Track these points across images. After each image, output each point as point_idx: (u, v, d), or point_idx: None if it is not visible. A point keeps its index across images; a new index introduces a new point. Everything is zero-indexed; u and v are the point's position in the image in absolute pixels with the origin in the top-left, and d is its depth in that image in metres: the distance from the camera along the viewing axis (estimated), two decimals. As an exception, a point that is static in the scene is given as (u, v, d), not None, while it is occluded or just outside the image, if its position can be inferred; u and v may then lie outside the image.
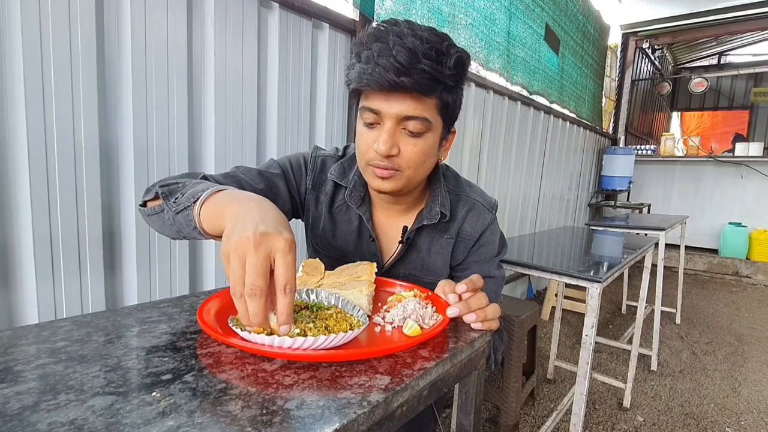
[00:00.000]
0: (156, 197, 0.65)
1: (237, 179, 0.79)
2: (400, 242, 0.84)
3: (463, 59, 0.68)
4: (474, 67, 2.47)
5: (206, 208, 0.57)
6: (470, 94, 2.48)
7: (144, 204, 0.67)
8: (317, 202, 0.88)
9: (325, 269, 0.74)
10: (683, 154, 5.87)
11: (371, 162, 0.72)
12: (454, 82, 0.68)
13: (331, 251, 0.89)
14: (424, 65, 0.62)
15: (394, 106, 0.67)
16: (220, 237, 0.52)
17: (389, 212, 0.87)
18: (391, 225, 0.87)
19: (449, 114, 0.73)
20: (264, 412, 0.36)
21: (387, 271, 0.87)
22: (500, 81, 2.74)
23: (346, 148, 0.91)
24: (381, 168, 0.71)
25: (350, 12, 1.71)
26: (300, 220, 0.93)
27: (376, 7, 1.76)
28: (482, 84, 2.55)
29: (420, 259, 0.87)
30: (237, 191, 0.58)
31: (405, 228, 0.84)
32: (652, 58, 6.47)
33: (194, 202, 0.58)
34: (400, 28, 0.64)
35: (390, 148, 0.68)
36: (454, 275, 0.91)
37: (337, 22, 1.59)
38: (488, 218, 0.87)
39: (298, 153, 0.89)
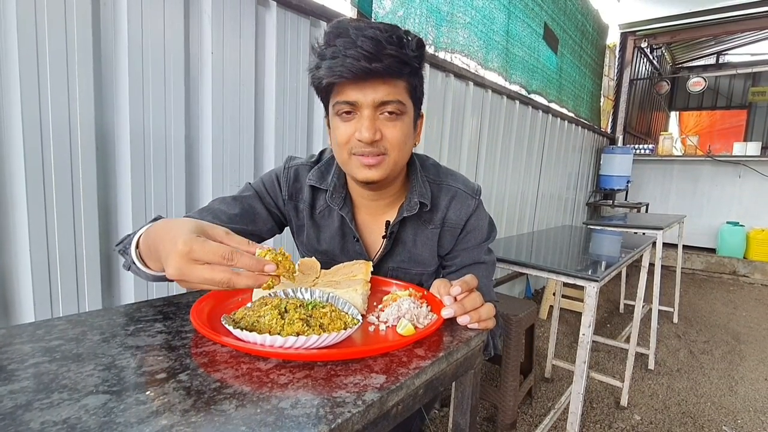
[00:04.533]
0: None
1: (212, 211, 0.82)
2: (383, 237, 0.85)
3: (422, 42, 0.72)
4: (473, 66, 2.47)
5: (143, 252, 0.59)
6: (469, 92, 2.48)
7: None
8: (297, 211, 0.90)
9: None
10: (681, 154, 5.88)
11: (354, 151, 0.73)
12: (417, 65, 0.72)
13: (319, 256, 0.89)
14: (390, 50, 0.65)
15: (369, 95, 0.69)
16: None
17: (372, 210, 0.87)
18: (375, 222, 0.88)
19: (417, 97, 0.76)
20: (258, 411, 0.36)
21: (375, 267, 0.87)
22: (499, 80, 2.74)
23: (321, 152, 0.92)
24: (367, 156, 0.72)
25: (348, 10, 1.71)
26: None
27: (374, 5, 1.76)
28: (481, 83, 2.54)
29: (407, 251, 0.88)
30: (153, 227, 0.58)
31: (388, 223, 0.85)
32: (651, 57, 6.47)
33: (133, 253, 0.60)
34: (356, 23, 0.67)
35: (374, 134, 0.70)
36: (445, 264, 0.92)
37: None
38: (472, 204, 0.87)
39: (271, 171, 0.91)
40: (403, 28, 0.70)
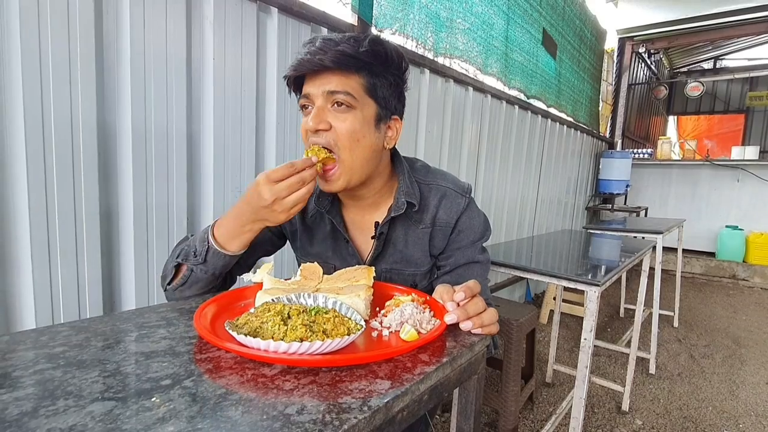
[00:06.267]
0: (175, 274, 0.78)
1: None
2: (372, 237, 0.86)
3: (380, 40, 0.75)
4: (472, 71, 2.48)
5: (218, 234, 0.74)
6: (468, 97, 2.49)
7: (170, 283, 0.78)
8: (289, 221, 0.91)
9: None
10: (680, 158, 5.90)
11: (308, 142, 0.76)
12: (374, 62, 0.74)
13: (311, 259, 0.91)
14: (341, 47, 0.71)
15: (319, 86, 0.74)
16: (242, 250, 0.75)
17: (360, 210, 0.88)
18: (365, 223, 0.88)
19: (379, 96, 0.77)
20: (264, 417, 0.36)
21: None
22: (498, 85, 2.75)
23: None
24: (324, 171, 0.75)
25: (349, 17, 1.72)
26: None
27: (374, 11, 1.77)
28: (480, 88, 2.56)
29: (398, 252, 0.88)
30: (221, 218, 0.76)
31: (377, 224, 0.86)
32: (649, 62, 6.50)
33: (208, 241, 0.74)
34: (329, 35, 0.75)
35: (317, 123, 0.73)
36: (439, 264, 0.92)
37: (335, 27, 1.60)
38: (462, 203, 0.88)
39: None
40: (374, 36, 0.75)
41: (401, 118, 0.84)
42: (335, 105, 0.74)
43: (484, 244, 0.93)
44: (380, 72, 0.76)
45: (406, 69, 0.81)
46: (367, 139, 0.77)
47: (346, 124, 0.74)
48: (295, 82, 0.79)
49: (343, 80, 0.73)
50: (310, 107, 0.76)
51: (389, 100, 0.79)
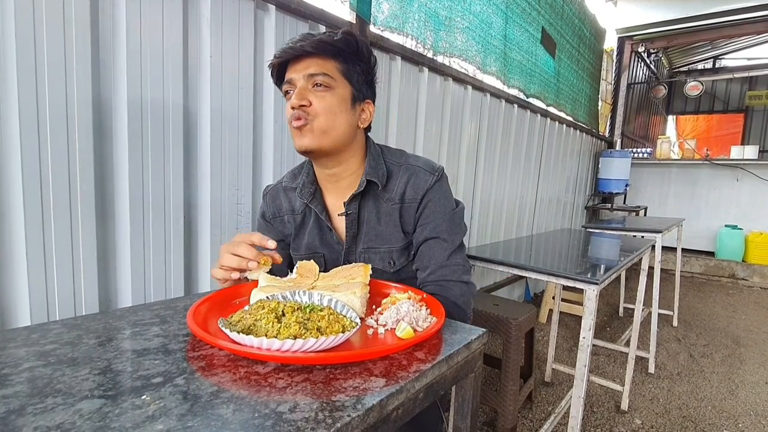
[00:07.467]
0: None
1: None
2: (339, 215, 0.91)
3: (352, 32, 0.85)
4: (471, 70, 2.48)
5: None
6: (467, 96, 2.48)
7: None
8: (284, 224, 1.00)
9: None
10: (679, 157, 5.90)
11: (290, 120, 0.83)
12: (347, 49, 0.84)
13: (303, 251, 0.98)
14: (318, 37, 0.82)
15: (300, 71, 0.83)
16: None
17: (339, 193, 0.93)
18: (342, 207, 0.93)
19: (354, 79, 0.86)
20: (256, 415, 0.36)
21: (348, 249, 0.93)
22: (497, 84, 2.75)
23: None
24: (296, 119, 0.81)
25: (347, 15, 1.71)
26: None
27: (372, 9, 1.77)
28: (479, 87, 2.55)
29: (372, 230, 0.92)
30: None
31: (345, 204, 0.91)
32: (648, 61, 6.50)
33: None
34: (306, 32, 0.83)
35: (300, 100, 0.81)
36: (413, 241, 0.94)
37: (333, 25, 1.59)
38: (430, 179, 0.90)
39: (258, 214, 1.06)
40: (346, 29, 0.85)
41: (374, 103, 0.93)
42: (315, 86, 0.82)
43: (456, 226, 0.91)
44: (352, 59, 0.85)
45: (375, 63, 0.91)
46: (344, 115, 0.85)
47: (323, 100, 0.82)
48: (278, 73, 0.87)
49: (322, 63, 0.82)
50: (291, 92, 0.84)
51: (362, 85, 0.88)
